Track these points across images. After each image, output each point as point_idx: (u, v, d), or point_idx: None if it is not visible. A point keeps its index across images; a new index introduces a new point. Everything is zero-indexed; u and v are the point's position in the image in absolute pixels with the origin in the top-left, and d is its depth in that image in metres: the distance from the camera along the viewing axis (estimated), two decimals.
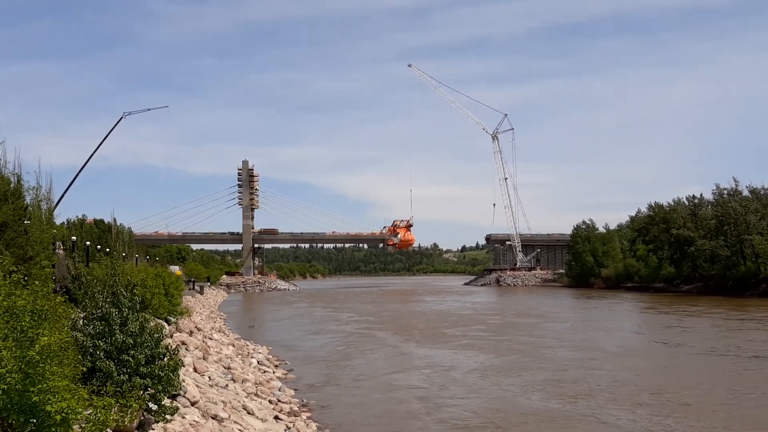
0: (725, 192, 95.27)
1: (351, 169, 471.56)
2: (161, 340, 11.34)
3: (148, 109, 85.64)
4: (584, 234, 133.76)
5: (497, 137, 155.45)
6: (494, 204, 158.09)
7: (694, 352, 28.50)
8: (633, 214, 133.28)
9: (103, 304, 11.20)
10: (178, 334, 23.45)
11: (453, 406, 17.49)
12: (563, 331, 38.40)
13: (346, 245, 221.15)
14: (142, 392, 10.02)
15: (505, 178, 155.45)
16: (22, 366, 6.84)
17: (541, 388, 19.98)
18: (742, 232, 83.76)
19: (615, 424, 15.37)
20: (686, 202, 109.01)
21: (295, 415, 15.87)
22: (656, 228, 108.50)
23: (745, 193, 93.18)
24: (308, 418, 15.97)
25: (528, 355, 27.52)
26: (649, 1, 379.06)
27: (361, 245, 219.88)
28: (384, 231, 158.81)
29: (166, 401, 10.84)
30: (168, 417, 10.54)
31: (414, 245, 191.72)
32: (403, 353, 28.89)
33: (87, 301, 12.75)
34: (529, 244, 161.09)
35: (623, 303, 70.13)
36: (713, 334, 35.80)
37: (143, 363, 10.42)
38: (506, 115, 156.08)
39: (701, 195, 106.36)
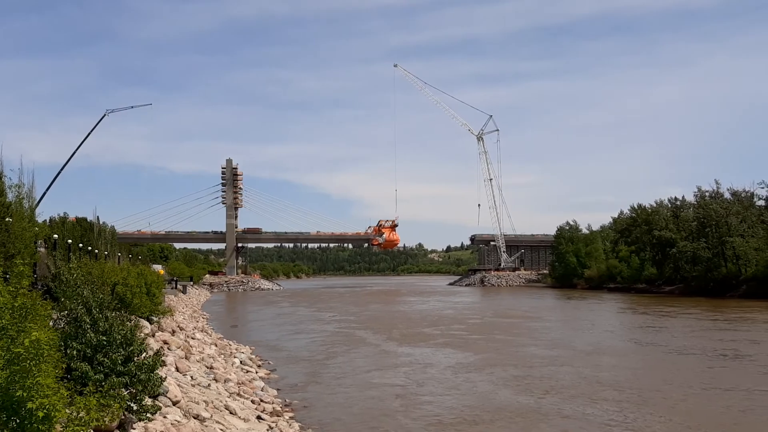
0: (707, 194, 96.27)
1: (336, 168, 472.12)
2: (136, 339, 11.27)
3: (132, 107, 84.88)
4: (568, 235, 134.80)
5: (482, 138, 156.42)
6: (479, 204, 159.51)
7: (663, 351, 29.26)
8: (616, 215, 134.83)
9: (72, 305, 11.12)
10: (160, 333, 23.34)
11: (430, 403, 17.86)
12: (539, 331, 38.90)
13: (331, 245, 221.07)
14: (121, 391, 9.97)
15: (490, 179, 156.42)
16: (6, 363, 6.80)
17: (512, 384, 20.62)
18: (724, 234, 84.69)
19: (579, 417, 15.96)
20: (668, 204, 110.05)
21: (278, 415, 15.86)
22: (638, 229, 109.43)
23: (727, 195, 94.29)
24: (291, 417, 15.98)
25: (502, 353, 28.09)
26: (637, 2, 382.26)
27: (345, 245, 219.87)
28: (369, 231, 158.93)
29: (147, 401, 10.79)
30: (149, 416, 10.49)
31: (399, 245, 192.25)
32: (383, 352, 29.11)
33: (58, 302, 12.69)
34: (514, 244, 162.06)
35: (603, 303, 70.79)
36: (684, 333, 36.50)
37: (120, 362, 10.37)
38: (491, 116, 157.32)
39: (683, 197, 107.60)
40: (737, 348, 29.15)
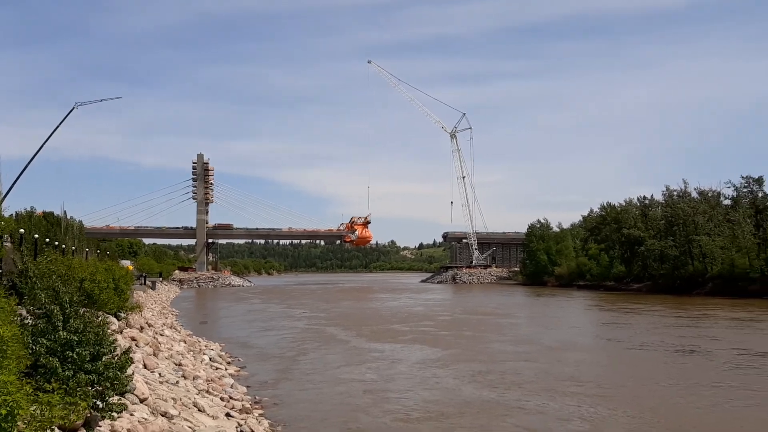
0: (675, 193, 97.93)
1: (309, 164, 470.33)
2: (106, 337, 11.15)
3: (101, 100, 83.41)
4: (539, 233, 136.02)
5: (455, 136, 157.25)
6: (452, 202, 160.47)
7: (626, 347, 30.00)
8: (586, 213, 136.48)
9: (45, 301, 10.98)
10: (128, 329, 23.10)
11: (398, 398, 18.08)
12: (507, 327, 39.45)
13: (303, 241, 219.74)
14: (88, 389, 9.86)
15: (463, 177, 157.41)
16: None
17: (478, 379, 21.01)
18: (690, 233, 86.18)
19: (541, 412, 16.40)
20: (637, 203, 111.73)
21: (247, 412, 15.79)
22: (608, 227, 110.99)
23: (694, 194, 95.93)
24: (260, 415, 15.93)
25: (470, 349, 28.50)
26: (609, 4, 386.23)
27: (317, 242, 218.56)
28: (341, 228, 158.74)
29: (114, 398, 10.68)
30: (115, 414, 10.39)
31: (371, 242, 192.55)
32: (353, 349, 29.24)
33: (27, 298, 12.47)
34: (486, 242, 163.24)
35: (571, 300, 71.73)
36: (648, 330, 37.31)
37: (88, 360, 10.26)
38: (464, 114, 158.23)
39: (652, 196, 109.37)
40: (698, 344, 29.98)
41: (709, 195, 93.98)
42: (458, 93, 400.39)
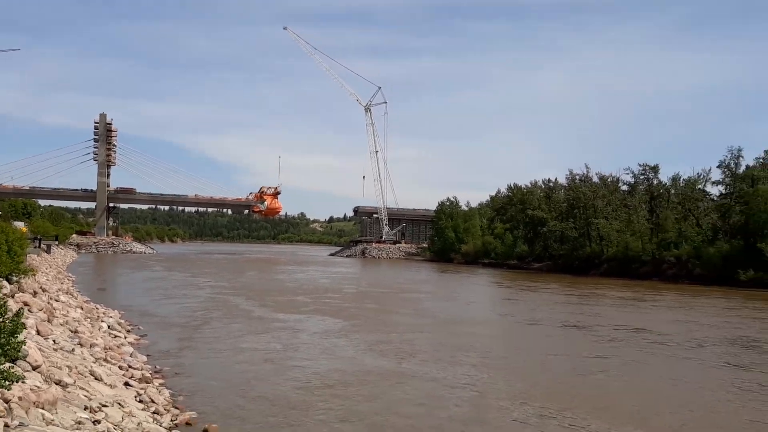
0: (577, 177, 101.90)
1: (219, 131, 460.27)
2: None
3: None
4: (448, 210, 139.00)
5: (370, 109, 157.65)
6: (364, 176, 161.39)
7: (515, 321, 32.02)
8: (494, 193, 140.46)
9: None
10: (20, 294, 22.23)
11: (299, 367, 18.45)
12: (409, 301, 40.74)
13: (209, 210, 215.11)
14: None
15: (376, 151, 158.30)
16: None
17: (377, 349, 21.77)
18: (590, 216, 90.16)
19: (433, 379, 17.29)
20: (542, 185, 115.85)
21: (147, 382, 15.63)
22: (513, 208, 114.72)
23: (595, 179, 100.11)
24: (161, 384, 15.79)
25: (371, 321, 29.37)
26: None
27: (225, 210, 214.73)
28: (250, 197, 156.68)
29: (6, 365, 10.41)
30: (7, 383, 10.13)
31: (281, 213, 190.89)
32: (257, 318, 29.38)
33: None
34: (396, 217, 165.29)
35: (474, 277, 74.09)
36: (539, 306, 39.64)
37: None
38: (380, 87, 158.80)
39: (556, 179, 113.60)
40: (580, 320, 32.17)
41: (609, 180, 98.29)
42: (375, 66, 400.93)
